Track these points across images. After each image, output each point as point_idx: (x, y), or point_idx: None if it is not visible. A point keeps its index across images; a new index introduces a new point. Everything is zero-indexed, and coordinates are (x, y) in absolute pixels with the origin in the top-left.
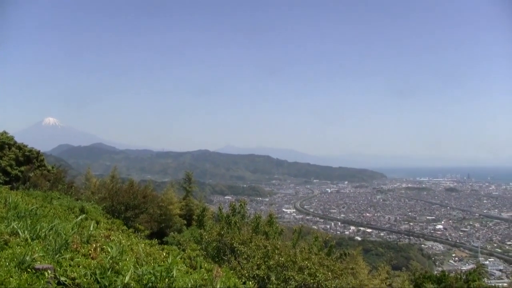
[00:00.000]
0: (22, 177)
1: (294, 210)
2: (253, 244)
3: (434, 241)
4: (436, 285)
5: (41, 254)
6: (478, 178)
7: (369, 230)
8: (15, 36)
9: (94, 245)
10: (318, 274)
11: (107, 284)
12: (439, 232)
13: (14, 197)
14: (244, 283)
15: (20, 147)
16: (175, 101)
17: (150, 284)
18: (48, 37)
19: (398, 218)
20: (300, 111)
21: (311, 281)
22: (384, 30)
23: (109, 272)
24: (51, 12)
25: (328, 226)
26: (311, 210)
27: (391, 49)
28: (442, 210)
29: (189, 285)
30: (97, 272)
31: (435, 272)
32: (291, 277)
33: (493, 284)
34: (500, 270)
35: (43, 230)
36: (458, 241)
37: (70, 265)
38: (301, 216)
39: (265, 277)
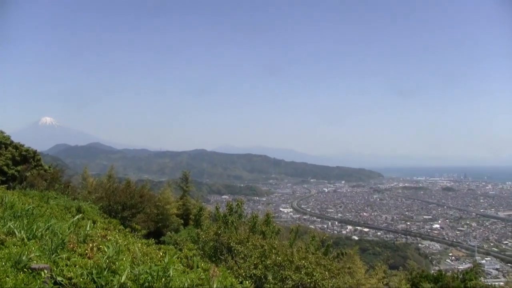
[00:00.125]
0: (19, 177)
1: (291, 210)
2: (250, 243)
3: (431, 241)
4: (433, 284)
5: (38, 254)
6: (475, 177)
7: (366, 230)
8: (12, 36)
9: (90, 245)
10: (315, 274)
11: (103, 283)
12: (436, 232)
13: (10, 196)
14: (241, 282)
15: (16, 147)
16: (173, 101)
17: (146, 284)
18: (45, 37)
19: (395, 217)
20: (297, 110)
21: (308, 280)
22: (383, 30)
23: (105, 272)
24: (48, 11)
25: (325, 226)
26: (308, 209)
27: (390, 48)
28: (439, 209)
29: (186, 284)
30: (94, 271)
31: (432, 271)
32: (288, 277)
33: (489, 283)
34: (497, 269)
35: (39, 230)
36: (455, 240)
37: (66, 265)
38: (298, 216)
39: (262, 277)
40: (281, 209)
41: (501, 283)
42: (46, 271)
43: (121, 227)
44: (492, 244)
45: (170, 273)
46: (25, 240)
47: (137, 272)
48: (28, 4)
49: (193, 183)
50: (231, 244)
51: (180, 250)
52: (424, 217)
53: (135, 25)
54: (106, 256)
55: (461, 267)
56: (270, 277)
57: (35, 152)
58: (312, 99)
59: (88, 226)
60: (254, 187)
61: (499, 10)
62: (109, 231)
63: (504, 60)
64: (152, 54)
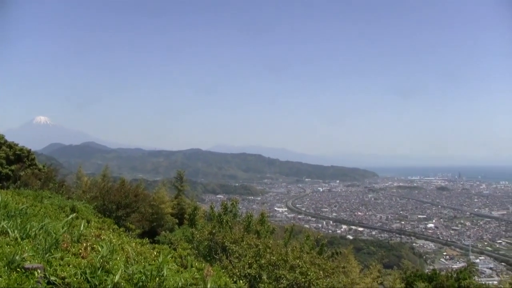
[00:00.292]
0: (13, 176)
1: (286, 209)
2: (244, 243)
3: (425, 240)
4: (427, 283)
5: (31, 254)
6: (469, 177)
7: (360, 229)
8: (7, 35)
9: (84, 244)
10: (309, 273)
11: (97, 283)
12: (430, 231)
13: (4, 196)
14: (235, 282)
15: (10, 146)
16: (168, 101)
17: (140, 283)
18: (40, 36)
19: (389, 216)
20: (292, 110)
21: (303, 280)
22: (381, 29)
23: (99, 271)
24: (42, 10)
25: (320, 225)
26: (303, 209)
27: (389, 48)
28: (434, 208)
29: (180, 284)
30: (87, 271)
31: (426, 270)
32: (282, 276)
33: (483, 282)
34: (491, 268)
35: (33, 229)
36: (449, 239)
37: (60, 265)
38: (293, 215)
39: (256, 276)
40: (275, 208)
41: (495, 282)
42: (39, 271)
43: (115, 226)
44: (486, 243)
45: (164, 273)
46: (19, 239)
47: (131, 272)
48: (23, 4)
49: (187, 183)
50: (226, 244)
51: (175, 249)
52: (419, 216)
53: (133, 25)
54: (100, 256)
55: (455, 266)
56: (264, 277)
57: (29, 151)
58: (307, 99)
59: (82, 225)
60: (249, 187)
61: (500, 9)
62: (103, 231)
63: (505, 60)
64: (145, 53)
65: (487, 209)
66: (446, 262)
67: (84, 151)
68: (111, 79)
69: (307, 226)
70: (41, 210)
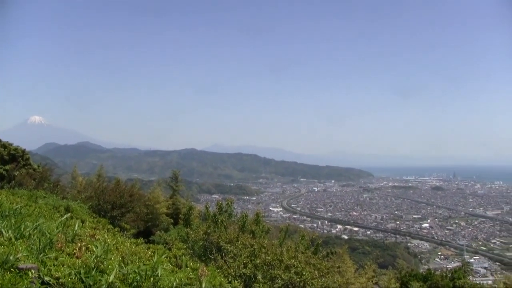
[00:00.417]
0: (7, 176)
1: (281, 209)
2: (239, 243)
3: (420, 240)
4: (422, 283)
5: (25, 254)
6: (463, 177)
7: (355, 229)
8: (1, 35)
9: (79, 244)
10: (304, 273)
11: (91, 283)
12: (425, 231)
13: None
14: (230, 282)
15: (5, 146)
16: (164, 101)
17: (135, 283)
18: (34, 35)
19: (384, 216)
20: (288, 110)
21: (298, 279)
22: (379, 29)
23: (93, 271)
24: (36, 10)
25: (315, 225)
26: (298, 208)
27: (387, 48)
28: (428, 208)
29: (174, 284)
30: (82, 271)
31: (421, 270)
32: (277, 276)
33: (478, 282)
34: (485, 268)
35: (27, 229)
36: (444, 239)
37: (54, 265)
38: (288, 215)
39: (251, 276)
40: (271, 208)
41: (489, 282)
42: (33, 271)
43: (110, 226)
44: (480, 243)
45: (158, 273)
46: (13, 239)
47: (126, 272)
48: (20, 4)
49: (183, 182)
50: (221, 244)
51: (169, 249)
52: (414, 216)
53: (131, 25)
54: (94, 256)
55: (450, 266)
56: (259, 276)
57: (23, 151)
58: (303, 99)
59: (77, 225)
60: (244, 187)
61: (500, 9)
62: (97, 231)
63: (505, 60)
64: (144, 54)
65: (481, 209)
66: (441, 262)
67: (79, 150)
68: (107, 79)
69: (302, 226)
70: (36, 210)
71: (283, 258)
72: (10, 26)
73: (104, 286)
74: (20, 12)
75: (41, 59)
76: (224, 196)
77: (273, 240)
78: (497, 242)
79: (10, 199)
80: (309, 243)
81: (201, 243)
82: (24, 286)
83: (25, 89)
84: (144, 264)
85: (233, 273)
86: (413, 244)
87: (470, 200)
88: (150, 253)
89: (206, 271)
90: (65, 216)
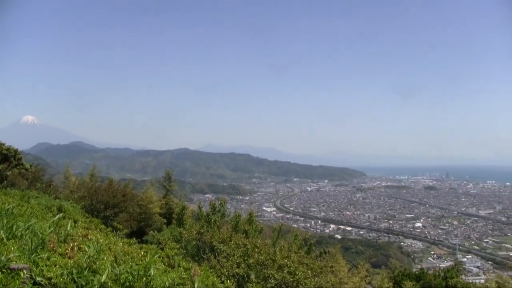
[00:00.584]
0: None
1: (274, 209)
2: (232, 242)
3: (413, 239)
4: (415, 282)
5: (17, 254)
6: (456, 176)
7: (349, 228)
8: None
9: (71, 244)
10: (297, 273)
11: (84, 283)
12: (418, 230)
13: None
14: (223, 282)
15: None
16: (157, 100)
17: (127, 283)
18: (26, 35)
19: (377, 216)
20: (282, 110)
21: (291, 279)
22: (378, 29)
23: (86, 272)
24: (30, 9)
25: (308, 225)
26: (291, 208)
27: (386, 47)
28: (421, 208)
29: (167, 284)
30: (74, 271)
31: (414, 269)
32: (270, 276)
33: (470, 281)
34: (478, 267)
35: (19, 230)
36: (436, 238)
37: (46, 265)
38: (281, 215)
39: (244, 276)
40: (264, 208)
41: (482, 281)
42: (25, 271)
43: (103, 226)
44: (473, 242)
45: (151, 273)
46: (4, 240)
47: (118, 272)
48: (18, 3)
49: (176, 182)
50: (214, 243)
51: (162, 249)
52: (407, 215)
53: (127, 25)
54: (86, 256)
55: (442, 265)
56: (252, 276)
57: (16, 151)
58: (297, 99)
59: (69, 225)
60: (237, 186)
61: (500, 9)
62: (90, 231)
63: (505, 60)
64: (138, 53)
65: (474, 208)
66: (434, 261)
67: (72, 150)
68: (101, 79)
69: (295, 225)
70: (28, 210)
71: (276, 258)
72: (5, 27)
73: (96, 286)
74: (15, 12)
75: (33, 59)
76: (217, 196)
77: (266, 240)
78: (490, 241)
79: (2, 199)
80: (302, 242)
81: (194, 243)
82: (16, 287)
83: (18, 89)
84: (136, 264)
85: (226, 273)
86: (406, 244)
87: (463, 199)
88: (142, 253)
89: (199, 271)
90: (57, 216)
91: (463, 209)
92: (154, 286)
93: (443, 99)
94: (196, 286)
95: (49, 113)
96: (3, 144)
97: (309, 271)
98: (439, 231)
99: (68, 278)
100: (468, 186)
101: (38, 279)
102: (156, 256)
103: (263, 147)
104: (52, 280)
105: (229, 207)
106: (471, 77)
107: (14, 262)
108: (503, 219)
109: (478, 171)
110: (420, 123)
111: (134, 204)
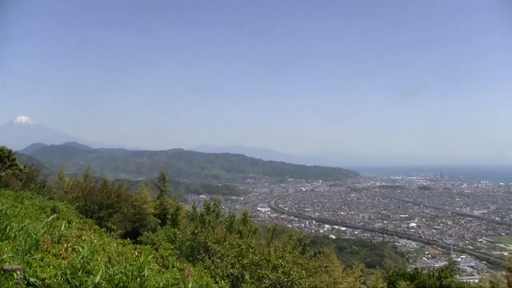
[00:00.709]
0: None
1: (269, 209)
2: (227, 243)
3: (407, 239)
4: (409, 282)
5: (11, 255)
6: (450, 176)
7: (343, 228)
8: None
9: (65, 245)
10: (292, 273)
11: (77, 284)
12: (412, 230)
13: None
14: (217, 282)
15: None
16: (151, 101)
17: (121, 284)
18: (20, 35)
19: (372, 216)
20: (275, 110)
21: (285, 279)
22: (378, 28)
23: (80, 272)
24: (24, 9)
25: (303, 225)
26: (286, 208)
27: (384, 47)
28: (416, 208)
29: (161, 284)
30: (68, 272)
31: (409, 269)
32: (265, 276)
33: (464, 281)
34: (472, 267)
35: (13, 230)
36: (431, 238)
37: (40, 266)
38: (275, 215)
39: (239, 276)
40: (258, 208)
41: (476, 281)
42: (19, 272)
43: (97, 227)
44: (467, 242)
45: (145, 273)
46: None
47: (112, 272)
48: (9, 3)
49: (170, 183)
50: (208, 244)
51: (156, 250)
52: (401, 215)
53: (124, 24)
54: (80, 257)
55: (437, 265)
56: (247, 276)
57: (10, 151)
58: (291, 99)
59: (63, 226)
60: (232, 187)
61: (500, 9)
62: (84, 231)
63: (506, 59)
64: (133, 53)
65: (468, 208)
66: (428, 261)
67: (66, 151)
68: (95, 79)
69: (290, 226)
70: (22, 210)
71: (271, 258)
72: (2, 27)
73: (90, 287)
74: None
75: (27, 59)
76: (212, 196)
77: (260, 240)
78: (484, 241)
79: None
80: (297, 243)
81: (188, 243)
82: None
83: (12, 89)
84: (130, 265)
85: (220, 273)
86: (400, 244)
87: (457, 199)
88: (137, 253)
89: (193, 271)
90: (51, 217)
91: (457, 209)
92: (148, 287)
93: (440, 99)
94: (190, 286)
95: (43, 113)
96: None
97: (303, 271)
98: (433, 231)
99: (62, 279)
100: (462, 186)
101: (32, 280)
102: (150, 257)
103: (257, 147)
104: (46, 281)
105: (223, 207)
106: (471, 77)
107: (7, 263)
108: (497, 219)
109: (472, 171)
110: (414, 123)
111: (128, 204)
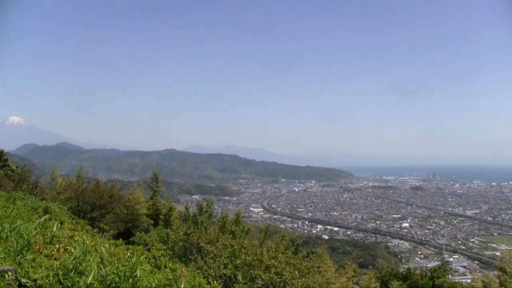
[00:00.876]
0: None
1: (262, 209)
2: (219, 243)
3: (400, 239)
4: (402, 282)
5: (2, 256)
6: (443, 176)
7: (336, 229)
8: None
9: (57, 246)
10: (284, 273)
11: (69, 285)
12: (405, 230)
13: None
14: (209, 282)
15: None
16: (144, 101)
17: (113, 285)
18: (19, 35)
19: (364, 216)
20: (268, 110)
21: (278, 279)
22: (377, 28)
23: (72, 273)
24: (24, 9)
25: (296, 225)
26: (279, 209)
27: (384, 47)
28: (408, 208)
29: (153, 285)
30: (60, 273)
31: (401, 269)
32: (257, 276)
33: (457, 281)
34: (464, 267)
35: (4, 231)
36: (423, 238)
37: (32, 266)
38: (268, 215)
39: (231, 276)
40: (251, 208)
41: (468, 281)
42: (10, 273)
43: (89, 227)
44: (459, 242)
45: (137, 274)
46: None
47: (104, 273)
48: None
49: (163, 183)
50: (201, 244)
51: (149, 250)
52: (394, 216)
53: (121, 24)
54: (72, 257)
55: (429, 265)
56: (239, 277)
57: (2, 152)
58: (284, 99)
59: (55, 227)
60: (225, 187)
61: (500, 9)
62: (76, 232)
63: (506, 60)
64: (129, 52)
65: (460, 208)
66: (421, 261)
67: (59, 151)
68: (87, 80)
69: (282, 226)
70: (14, 211)
71: (263, 259)
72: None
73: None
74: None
75: (20, 59)
76: (205, 196)
77: (253, 240)
78: (476, 241)
79: None
80: (289, 243)
81: (181, 244)
82: None
83: (4, 89)
84: (123, 265)
85: (213, 274)
86: (393, 244)
87: (449, 199)
88: (129, 254)
89: (186, 271)
90: (43, 218)
91: (449, 209)
92: (140, 287)
93: (439, 99)
94: (182, 287)
95: (35, 114)
96: None
97: (296, 272)
98: (426, 231)
99: (54, 280)
100: (455, 186)
101: (24, 280)
102: (142, 257)
103: (250, 147)
104: (38, 282)
105: (216, 207)
106: (470, 77)
107: None
108: (489, 219)
109: (465, 171)
110: (413, 123)
111: (121, 205)
